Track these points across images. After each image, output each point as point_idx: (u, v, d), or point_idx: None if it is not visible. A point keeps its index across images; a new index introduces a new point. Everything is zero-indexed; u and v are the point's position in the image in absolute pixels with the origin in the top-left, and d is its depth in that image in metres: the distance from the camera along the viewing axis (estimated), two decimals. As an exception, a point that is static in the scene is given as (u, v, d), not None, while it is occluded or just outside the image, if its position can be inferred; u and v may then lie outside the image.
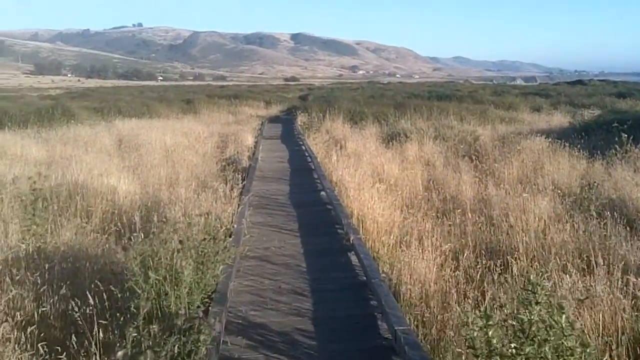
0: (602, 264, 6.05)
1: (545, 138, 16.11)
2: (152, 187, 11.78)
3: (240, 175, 12.08)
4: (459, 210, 9.10)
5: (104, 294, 4.89)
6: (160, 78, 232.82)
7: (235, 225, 7.78)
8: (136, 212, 8.72)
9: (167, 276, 4.81)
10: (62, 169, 12.09)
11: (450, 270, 6.20)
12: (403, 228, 7.98)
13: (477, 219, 8.45)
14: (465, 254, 6.92)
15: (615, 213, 8.41)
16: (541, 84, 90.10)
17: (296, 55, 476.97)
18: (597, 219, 8.33)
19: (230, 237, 7.51)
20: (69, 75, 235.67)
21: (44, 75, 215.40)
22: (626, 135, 13.80)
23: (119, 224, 7.70)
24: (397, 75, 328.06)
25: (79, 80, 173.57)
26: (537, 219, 8.43)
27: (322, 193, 10.87)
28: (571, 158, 13.77)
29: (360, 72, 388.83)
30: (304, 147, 18.43)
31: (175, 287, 4.81)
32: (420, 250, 6.57)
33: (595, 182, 10.08)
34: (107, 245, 7.11)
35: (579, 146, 15.00)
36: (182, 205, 8.47)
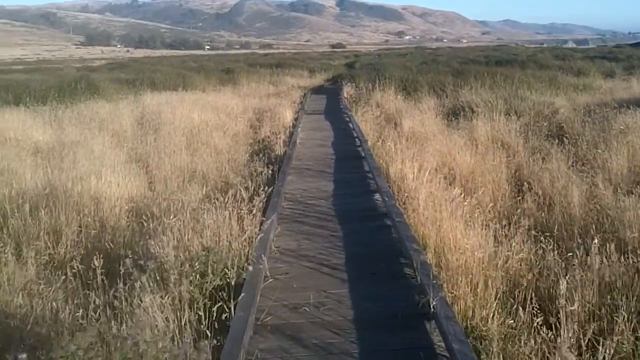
0: None
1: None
2: (159, 185, 9.34)
3: (271, 169, 9.46)
4: (575, 231, 6.27)
5: None
6: (208, 47, 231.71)
7: (251, 267, 5.16)
8: (111, 248, 6.28)
9: None
10: (47, 163, 9.77)
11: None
12: (508, 271, 5.21)
13: (609, 249, 5.52)
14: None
15: None
16: (599, 47, 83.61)
17: (342, 22, 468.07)
18: None
19: (241, 285, 4.94)
20: (118, 46, 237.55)
21: (94, 46, 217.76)
22: None
23: (75, 265, 5.21)
24: (445, 40, 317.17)
25: (127, 51, 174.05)
26: None
27: (376, 196, 8.14)
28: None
29: (407, 37, 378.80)
30: (351, 125, 15.63)
31: None
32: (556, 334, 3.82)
33: None
34: (53, 304, 4.65)
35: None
36: (180, 227, 5.92)
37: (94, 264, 4.85)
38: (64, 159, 10.11)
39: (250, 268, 5.13)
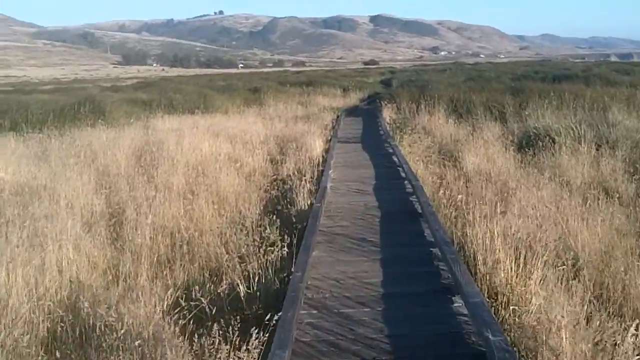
0: None
1: None
2: (124, 268, 6.30)
3: (287, 240, 6.36)
4: None
5: None
6: (241, 65, 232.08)
7: None
8: None
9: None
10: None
11: None
12: None
13: None
14: None
15: None
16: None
17: (375, 38, 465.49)
18: None
19: None
20: (154, 64, 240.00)
21: (131, 65, 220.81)
22: None
23: None
24: (481, 56, 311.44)
25: (163, 70, 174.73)
26: None
27: (458, 304, 4.93)
28: None
29: (442, 53, 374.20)
30: (395, 159, 12.42)
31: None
32: None
33: None
34: None
35: None
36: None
37: None
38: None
39: None
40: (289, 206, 8.36)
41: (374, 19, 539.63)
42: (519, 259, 5.18)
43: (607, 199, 8.01)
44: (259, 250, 6.03)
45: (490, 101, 19.72)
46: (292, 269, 5.51)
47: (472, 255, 5.91)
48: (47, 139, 14.72)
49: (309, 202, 8.63)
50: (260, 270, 5.67)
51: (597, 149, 11.65)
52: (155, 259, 6.48)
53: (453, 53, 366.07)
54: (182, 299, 5.31)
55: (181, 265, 6.27)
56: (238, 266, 5.74)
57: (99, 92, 34.46)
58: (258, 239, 6.61)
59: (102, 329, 4.20)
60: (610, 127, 13.42)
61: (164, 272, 6.07)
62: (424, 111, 18.89)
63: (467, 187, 9.30)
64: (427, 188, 9.27)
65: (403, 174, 10.71)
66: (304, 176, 10.09)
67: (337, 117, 22.81)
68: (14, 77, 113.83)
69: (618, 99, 19.64)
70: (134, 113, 22.17)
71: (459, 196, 7.66)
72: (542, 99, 18.55)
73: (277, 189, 10.09)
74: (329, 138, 16.23)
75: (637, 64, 55.90)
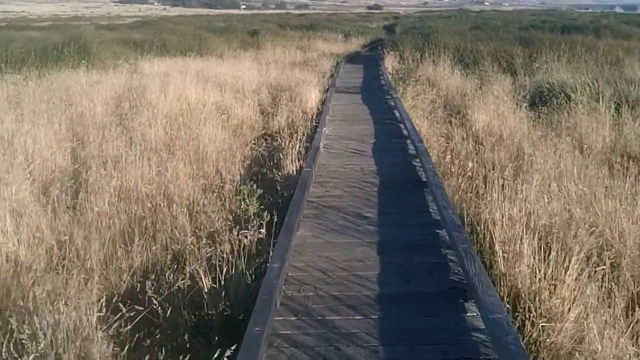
0: None
1: None
2: (77, 239, 5.33)
3: (269, 213, 5.36)
4: None
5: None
6: (243, 6, 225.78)
7: None
8: None
9: None
10: None
11: None
12: None
13: None
14: None
15: None
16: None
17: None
18: None
19: None
20: (155, 3, 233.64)
21: (132, 3, 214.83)
22: None
23: None
24: (486, 3, 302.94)
25: (164, 9, 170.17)
26: None
27: (472, 315, 3.94)
28: None
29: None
30: (397, 114, 11.32)
31: None
32: None
33: None
34: None
35: None
36: None
37: None
38: None
39: None
40: (274, 170, 7.33)
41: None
42: (548, 253, 4.21)
43: (638, 169, 7.02)
44: (233, 231, 5.02)
45: (499, 51, 18.44)
46: (269, 262, 4.50)
47: (484, 240, 4.97)
48: (24, 81, 13.63)
49: (298, 166, 7.60)
50: (231, 257, 4.69)
51: (616, 109, 10.56)
52: (111, 234, 5.51)
53: (457, 0, 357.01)
54: (136, 290, 4.42)
55: (141, 244, 5.29)
56: (207, 249, 4.77)
57: (93, 31, 32.84)
58: (232, 216, 5.63)
59: (11, 350, 3.24)
60: (630, 85, 12.26)
61: (119, 254, 5.11)
62: (429, 61, 17.64)
63: (476, 149, 8.28)
64: (432, 151, 8.25)
65: (405, 132, 9.65)
66: (296, 132, 9.02)
67: (337, 63, 21.49)
68: (12, 13, 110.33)
69: (634, 52, 18.41)
70: (123, 54, 20.95)
71: (469, 164, 6.63)
72: (552, 51, 17.29)
73: (265, 147, 9.04)
74: (327, 87, 15.06)
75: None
